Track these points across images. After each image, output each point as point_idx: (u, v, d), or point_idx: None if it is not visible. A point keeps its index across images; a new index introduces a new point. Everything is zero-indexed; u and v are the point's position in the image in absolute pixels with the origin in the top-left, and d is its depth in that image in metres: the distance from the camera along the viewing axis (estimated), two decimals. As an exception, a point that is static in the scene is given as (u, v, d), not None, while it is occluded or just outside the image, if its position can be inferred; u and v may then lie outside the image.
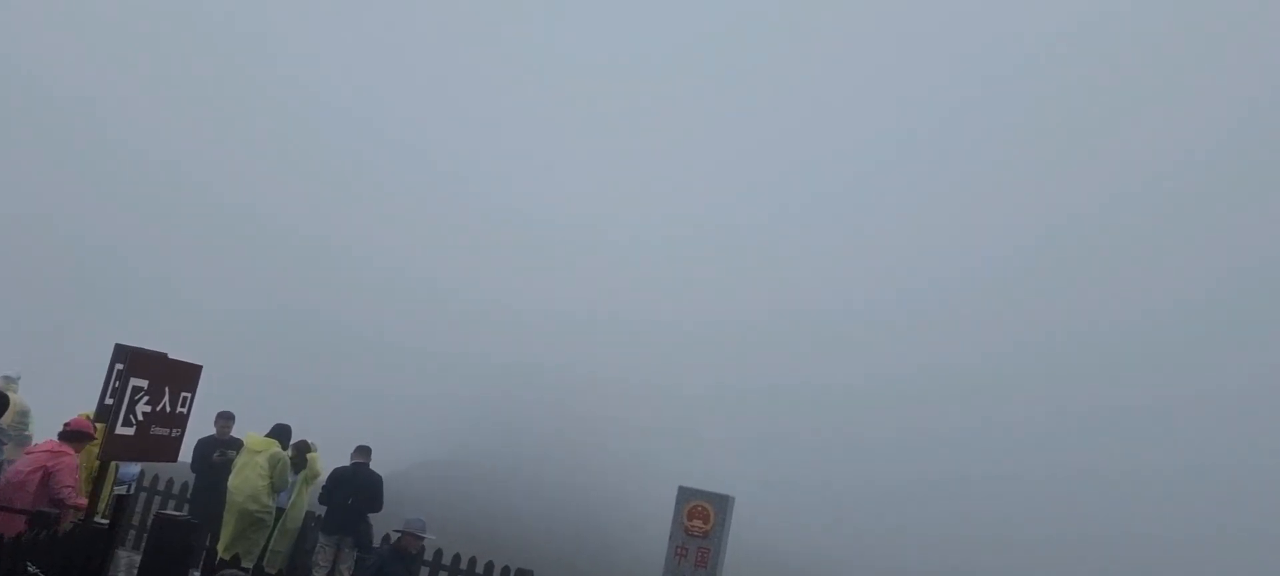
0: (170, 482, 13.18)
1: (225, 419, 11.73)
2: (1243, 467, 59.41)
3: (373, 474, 11.15)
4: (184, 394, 6.53)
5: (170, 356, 6.42)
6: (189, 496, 12.80)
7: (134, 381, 6.06)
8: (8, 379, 11.85)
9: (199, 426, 11.67)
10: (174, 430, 6.48)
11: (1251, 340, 69.07)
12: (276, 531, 10.69)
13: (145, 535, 10.27)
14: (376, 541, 11.48)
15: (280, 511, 10.89)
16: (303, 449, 11.30)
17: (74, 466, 7.88)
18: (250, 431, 11.08)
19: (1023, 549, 50.90)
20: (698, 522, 10.09)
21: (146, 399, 6.19)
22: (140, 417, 6.18)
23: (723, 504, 10.16)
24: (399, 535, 8.38)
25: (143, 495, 12.58)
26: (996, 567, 47.35)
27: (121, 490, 9.55)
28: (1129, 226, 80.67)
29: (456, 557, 11.88)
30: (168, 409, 6.37)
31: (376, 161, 79.43)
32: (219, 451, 11.36)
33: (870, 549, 47.23)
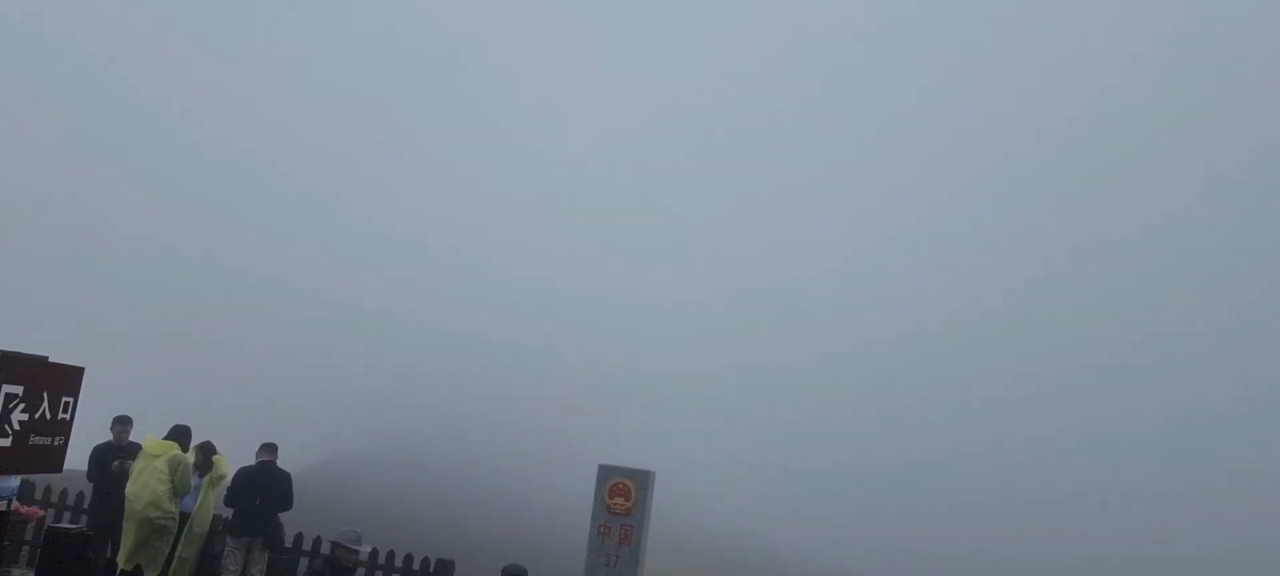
0: (65, 493, 12.55)
1: (122, 424, 11.17)
2: (1127, 434, 62.38)
3: (281, 472, 10.78)
4: (65, 399, 6.12)
5: (50, 360, 6.03)
6: (85, 507, 12.22)
7: (8, 388, 5.65)
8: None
9: (96, 433, 11.11)
10: (56, 438, 6.07)
11: (1125, 311, 72.34)
12: (182, 538, 10.25)
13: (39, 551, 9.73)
14: (289, 541, 11.13)
15: (184, 517, 10.45)
16: (207, 450, 10.86)
17: None
18: (148, 435, 10.59)
19: (942, 523, 52.55)
20: (620, 500, 10.04)
21: (23, 406, 5.79)
22: (17, 427, 5.78)
23: (644, 480, 10.12)
24: (332, 546, 8.05)
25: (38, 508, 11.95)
26: (918, 543, 48.82)
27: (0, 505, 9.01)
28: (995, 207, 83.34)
29: (374, 552, 11.61)
30: (48, 415, 5.96)
31: (257, 174, 77.42)
32: (118, 460, 10.82)
33: (790, 522, 48.27)
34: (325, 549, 9.13)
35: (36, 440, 5.87)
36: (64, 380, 6.08)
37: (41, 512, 11.42)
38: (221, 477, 10.75)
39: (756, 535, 42.37)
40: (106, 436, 11.21)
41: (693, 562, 31.36)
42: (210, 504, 10.62)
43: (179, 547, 10.30)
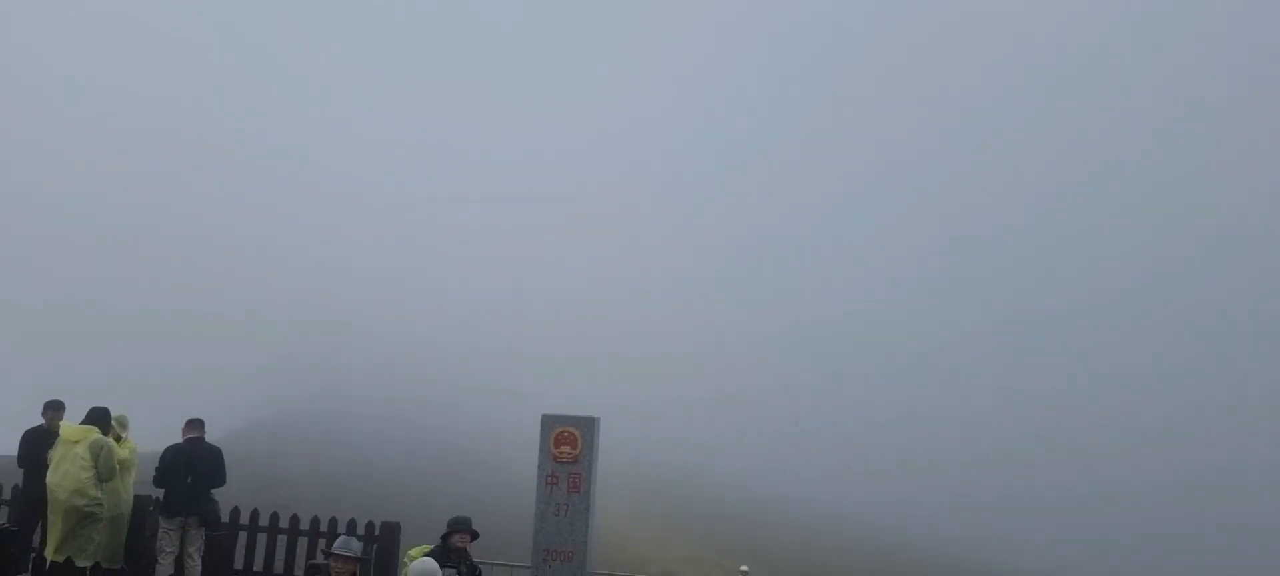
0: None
1: (54, 409, 10.73)
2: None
3: (211, 447, 10.52)
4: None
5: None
6: (8, 498, 11.79)
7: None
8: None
9: (29, 420, 10.69)
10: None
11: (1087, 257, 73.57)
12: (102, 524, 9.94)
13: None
14: (225, 516, 10.91)
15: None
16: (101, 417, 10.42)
17: None
18: (64, 421, 10.21)
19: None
20: (566, 448, 10.02)
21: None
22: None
23: (589, 427, 10.11)
24: (327, 558, 7.78)
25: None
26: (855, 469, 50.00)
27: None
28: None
29: (314, 520, 11.47)
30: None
31: (169, 116, 74.34)
32: (53, 446, 10.37)
33: (731, 455, 49.09)
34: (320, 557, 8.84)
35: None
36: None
37: None
38: (131, 452, 10.38)
39: (704, 472, 43.00)
40: (38, 421, 10.79)
41: (645, 505, 31.75)
42: (125, 485, 10.29)
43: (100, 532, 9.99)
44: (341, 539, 7.85)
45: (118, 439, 10.23)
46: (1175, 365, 61.12)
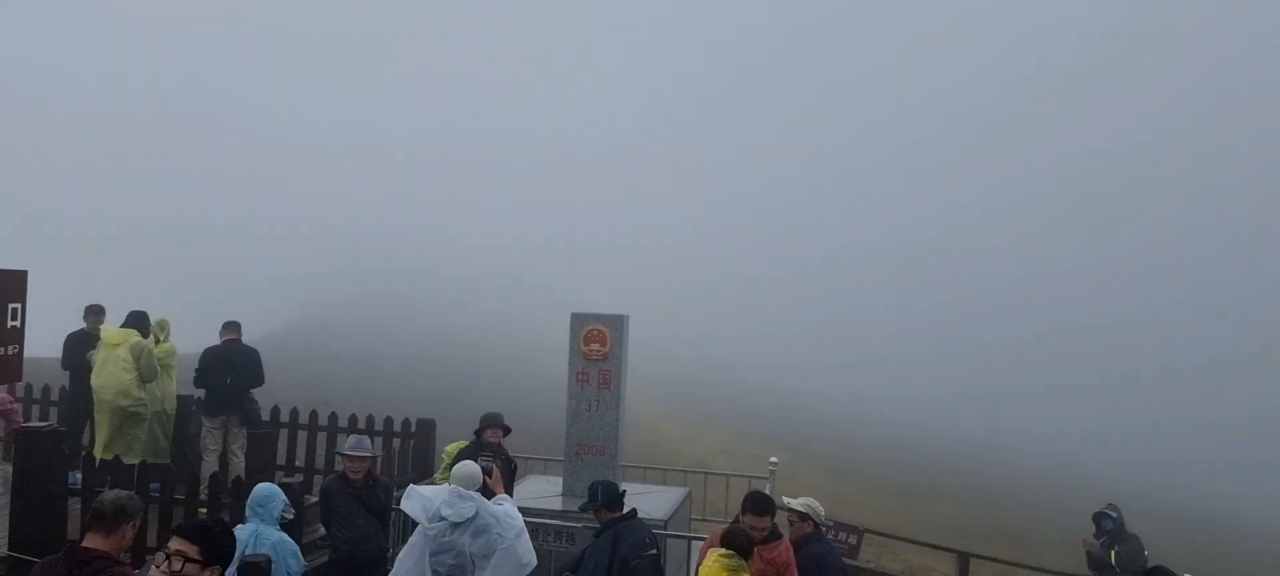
0: (47, 389, 12.48)
1: (95, 314, 10.95)
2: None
3: (248, 349, 10.72)
4: (12, 305, 5.89)
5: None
6: (56, 399, 12.17)
7: (-53, 303, 5.42)
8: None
9: (73, 326, 10.93)
10: (9, 347, 5.88)
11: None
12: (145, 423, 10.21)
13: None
14: (265, 415, 11.18)
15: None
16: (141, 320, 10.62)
17: None
18: (104, 325, 10.43)
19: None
20: (596, 346, 10.15)
21: (-35, 317, 5.57)
22: (-37, 338, 5.58)
23: (618, 324, 10.20)
24: (341, 459, 7.89)
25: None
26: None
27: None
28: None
29: (352, 417, 11.72)
30: (-6, 325, 5.72)
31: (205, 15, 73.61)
32: (95, 349, 10.62)
33: (754, 346, 49.39)
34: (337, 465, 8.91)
35: (-12, 353, 5.67)
36: (6, 286, 5.85)
37: (14, 403, 11.34)
38: (171, 352, 10.58)
39: (734, 368, 43.35)
40: (80, 325, 11.04)
41: (676, 401, 32.15)
42: (170, 383, 10.53)
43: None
44: (353, 438, 7.81)
45: (157, 342, 10.44)
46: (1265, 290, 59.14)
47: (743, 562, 5.63)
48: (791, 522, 6.93)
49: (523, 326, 37.87)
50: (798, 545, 6.81)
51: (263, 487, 6.30)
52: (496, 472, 7.55)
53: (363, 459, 7.55)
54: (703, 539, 8.58)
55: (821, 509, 7.05)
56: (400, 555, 6.83)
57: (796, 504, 6.89)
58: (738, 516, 6.49)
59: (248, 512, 6.38)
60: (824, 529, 7.12)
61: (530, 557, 6.60)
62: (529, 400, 21.42)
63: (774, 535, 6.33)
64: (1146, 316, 57.13)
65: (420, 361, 29.01)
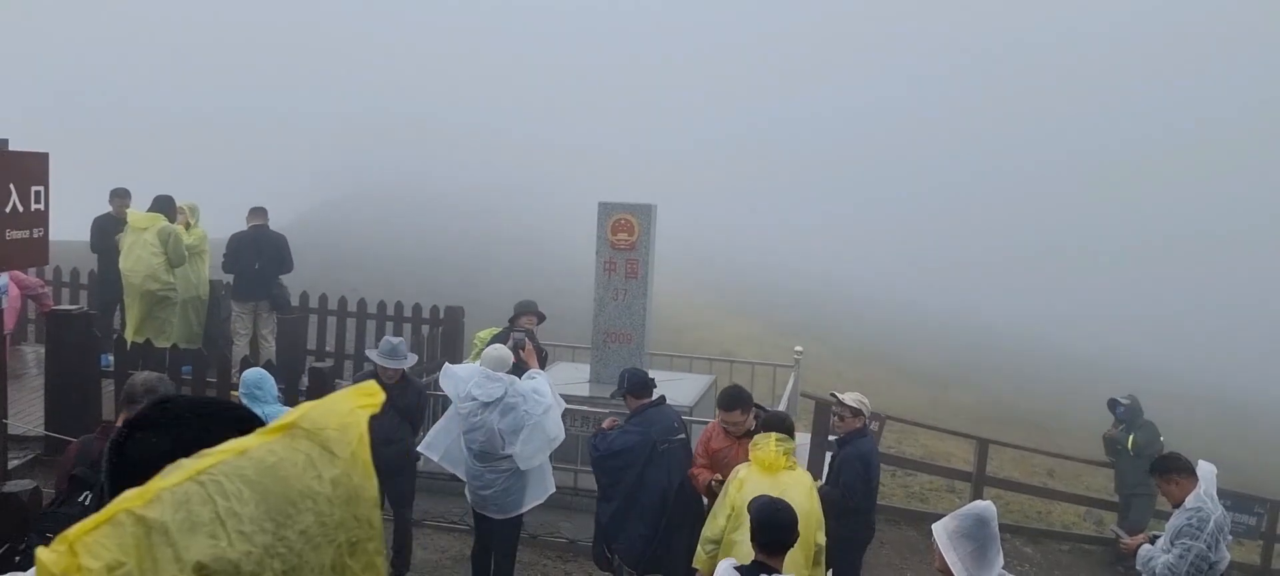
0: (76, 273, 12.60)
1: (120, 197, 10.92)
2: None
3: (275, 234, 10.70)
4: (35, 188, 5.81)
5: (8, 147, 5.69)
6: (86, 283, 12.28)
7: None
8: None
9: (101, 209, 10.94)
10: (35, 230, 5.83)
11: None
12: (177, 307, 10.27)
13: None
14: (294, 300, 11.23)
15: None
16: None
17: None
18: (131, 210, 10.40)
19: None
20: (623, 236, 10.03)
21: (-11, 201, 5.51)
22: (-10, 225, 5.52)
23: (645, 214, 10.07)
24: (375, 368, 7.77)
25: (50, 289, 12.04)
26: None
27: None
28: None
29: (381, 304, 11.76)
30: (20, 208, 5.68)
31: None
32: (123, 232, 10.63)
33: (783, 238, 49.17)
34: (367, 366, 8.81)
35: (13, 235, 5.64)
36: (29, 168, 5.77)
37: (44, 287, 11.50)
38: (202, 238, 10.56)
39: (761, 259, 43.24)
40: (106, 209, 11.04)
41: (702, 291, 32.17)
42: (202, 267, 10.55)
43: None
44: (387, 344, 7.16)
45: (187, 227, 10.43)
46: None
47: (791, 441, 5.60)
48: (842, 418, 6.96)
49: (552, 219, 37.76)
50: (845, 440, 6.88)
51: (252, 373, 6.28)
52: (530, 346, 7.62)
53: (392, 370, 7.07)
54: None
55: (869, 404, 7.07)
56: (436, 427, 7.02)
57: (848, 399, 6.95)
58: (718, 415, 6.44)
59: (244, 399, 6.38)
60: (871, 423, 7.16)
61: (558, 431, 6.71)
62: (558, 289, 21.45)
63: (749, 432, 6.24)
64: (1180, 200, 55.97)
65: (449, 252, 29.07)
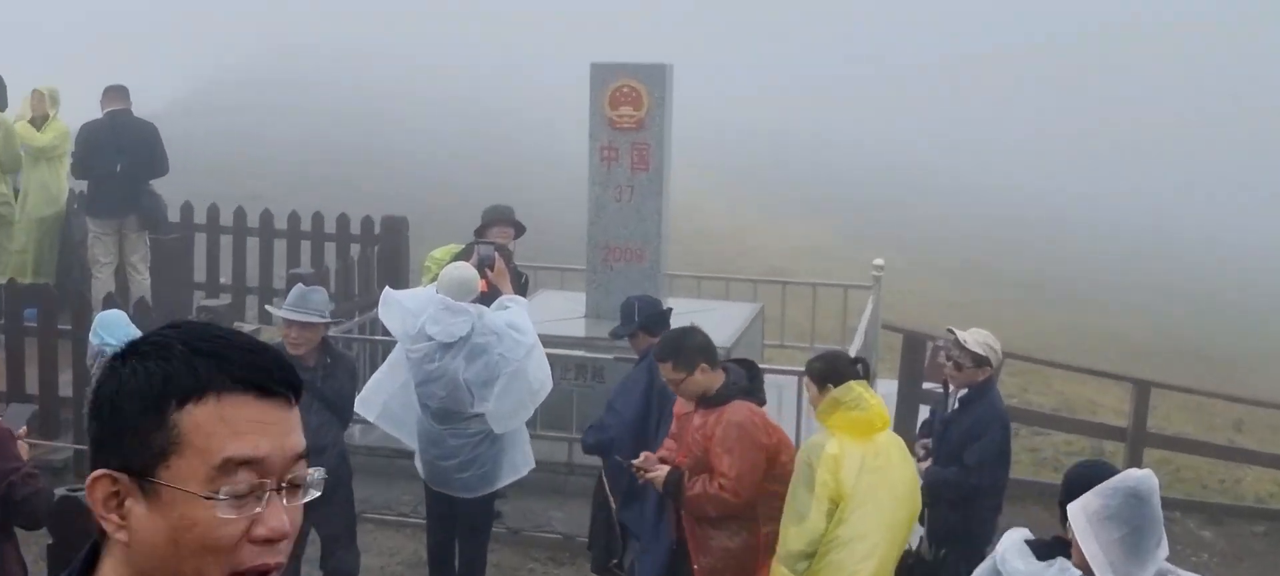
0: None
1: None
2: None
3: (142, 123, 10.54)
4: None
5: None
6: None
7: None
8: None
9: None
10: None
11: None
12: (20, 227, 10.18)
13: None
14: (174, 215, 11.12)
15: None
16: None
17: None
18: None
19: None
20: (627, 110, 9.87)
21: None
22: None
23: (657, 79, 9.90)
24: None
25: None
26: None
27: None
28: None
29: (293, 216, 11.64)
30: None
31: None
32: None
33: (846, 107, 48.99)
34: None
35: None
36: None
37: None
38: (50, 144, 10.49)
39: (810, 140, 43.05)
40: None
41: (735, 185, 31.99)
42: (54, 178, 10.46)
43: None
44: (296, 290, 6.57)
45: (46, 118, 10.34)
46: None
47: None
48: (961, 367, 6.72)
49: (529, 89, 37.44)
50: (970, 397, 6.69)
51: (106, 315, 6.28)
52: (501, 264, 7.55)
53: (308, 327, 6.41)
54: (786, 373, 8.50)
55: (999, 347, 6.86)
56: (374, 378, 7.01)
57: (972, 342, 6.62)
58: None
59: (95, 341, 6.38)
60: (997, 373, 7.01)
61: (543, 378, 6.75)
62: (540, 193, 21.31)
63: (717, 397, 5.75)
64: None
65: (392, 147, 28.88)
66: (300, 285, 6.76)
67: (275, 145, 27.17)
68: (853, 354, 7.56)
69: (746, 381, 5.86)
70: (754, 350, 10.08)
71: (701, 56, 42.68)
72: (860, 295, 11.52)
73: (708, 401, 5.67)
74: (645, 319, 6.73)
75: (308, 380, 6.11)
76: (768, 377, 8.56)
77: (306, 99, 33.60)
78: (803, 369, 6.11)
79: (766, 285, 12.48)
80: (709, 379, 5.69)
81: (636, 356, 6.85)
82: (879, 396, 5.57)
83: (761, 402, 5.92)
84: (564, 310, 10.22)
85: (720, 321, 9.81)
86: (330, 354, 6.70)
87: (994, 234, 31.16)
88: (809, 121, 46.32)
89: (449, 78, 39.62)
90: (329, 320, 6.76)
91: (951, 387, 6.89)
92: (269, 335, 11.81)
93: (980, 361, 6.63)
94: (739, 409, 5.63)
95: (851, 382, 5.42)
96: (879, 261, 11.47)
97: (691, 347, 5.75)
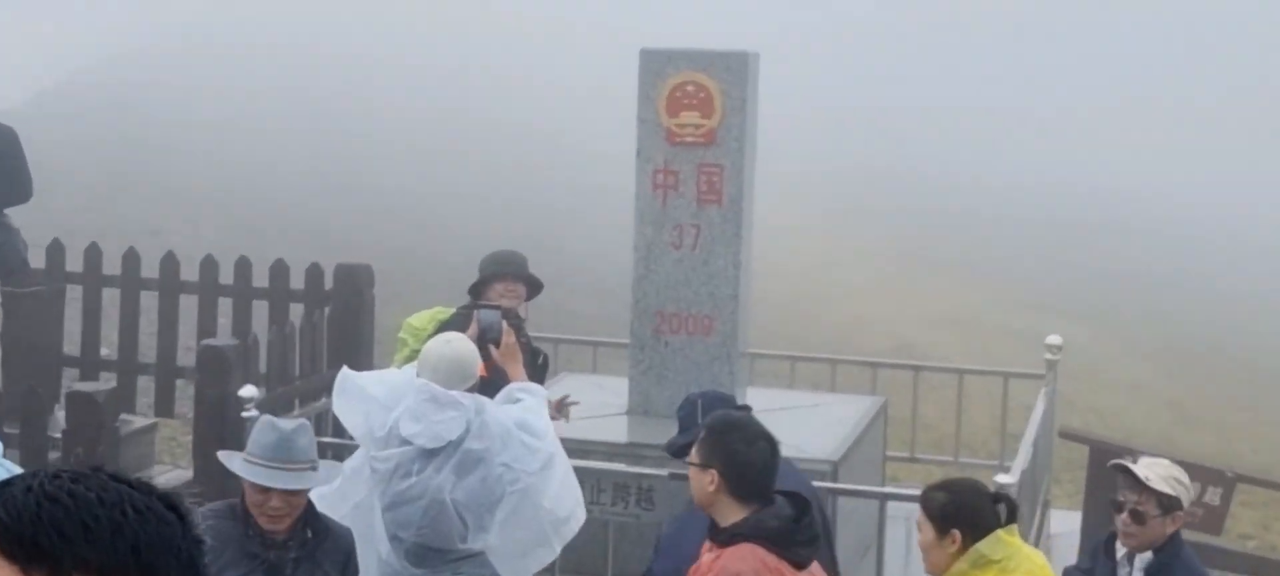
0: None
1: None
2: None
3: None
4: None
5: None
6: None
7: None
8: None
9: None
10: None
11: None
12: None
13: None
14: (37, 259, 11.21)
15: None
16: None
17: None
18: None
19: None
20: (692, 116, 9.88)
21: None
22: None
23: (737, 71, 9.96)
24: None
25: None
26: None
27: None
28: None
29: (210, 261, 11.67)
30: None
31: None
32: None
33: (999, 118, 49.62)
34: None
35: None
36: None
37: None
38: None
39: (952, 158, 43.52)
40: None
41: (845, 220, 32.07)
42: None
43: None
44: (273, 434, 5.88)
45: None
46: None
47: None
48: (1144, 519, 6.61)
49: (547, 89, 37.82)
50: (1159, 565, 6.51)
51: None
52: (509, 337, 7.57)
53: (290, 496, 5.91)
54: (910, 497, 8.42)
55: (1189, 484, 6.76)
56: (328, 492, 6.54)
57: (1157, 479, 6.51)
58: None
59: None
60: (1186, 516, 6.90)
61: (568, 502, 6.75)
62: (564, 230, 21.41)
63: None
64: None
65: (350, 155, 29.18)
66: (270, 421, 6.15)
67: (182, 157, 27.42)
68: (1009, 479, 7.50)
69: (782, 521, 5.68)
70: (872, 465, 10.07)
71: (791, 44, 43.13)
72: (1027, 387, 11.50)
73: (716, 534, 5.54)
74: (715, 423, 6.64)
75: (274, 562, 5.99)
76: (892, 506, 8.52)
77: (227, 91, 34.03)
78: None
79: (891, 370, 12.39)
80: (716, 500, 5.54)
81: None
82: (1039, 552, 5.50)
83: (802, 561, 5.76)
84: (598, 403, 10.17)
85: (823, 425, 9.77)
86: (313, 524, 6.13)
87: (1219, 302, 30.99)
88: (945, 137, 46.73)
89: (433, 74, 40.12)
90: (323, 479, 6.44)
91: (1124, 547, 6.70)
92: (168, 430, 11.91)
93: (1169, 505, 6.45)
94: (744, 555, 5.47)
95: (999, 533, 5.41)
96: (1055, 339, 11.38)
97: (722, 435, 5.69)
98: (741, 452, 5.51)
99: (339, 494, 6.75)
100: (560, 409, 8.32)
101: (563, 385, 10.73)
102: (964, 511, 5.45)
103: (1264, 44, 66.22)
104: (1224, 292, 32.10)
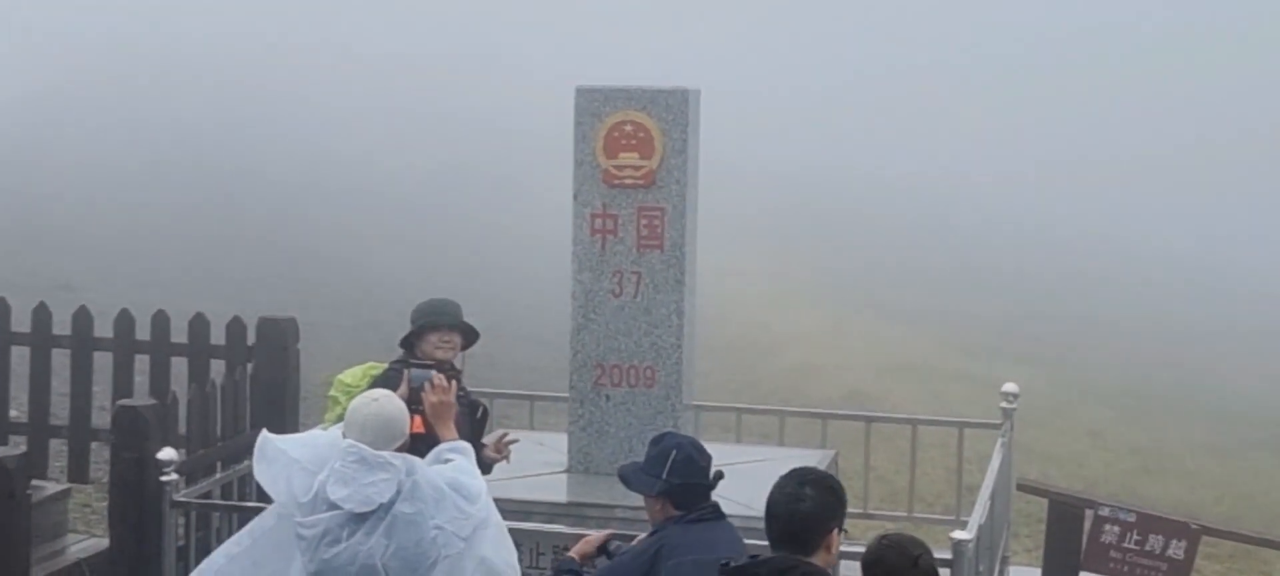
0: None
1: None
2: None
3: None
4: None
5: None
6: None
7: None
8: None
9: None
10: None
11: None
12: None
13: None
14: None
15: None
16: None
17: None
18: None
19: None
20: (631, 156, 9.89)
21: None
22: None
23: (678, 109, 9.95)
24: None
25: None
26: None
27: None
28: None
29: (125, 315, 11.60)
30: None
31: None
32: None
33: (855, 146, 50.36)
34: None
35: None
36: None
37: None
38: None
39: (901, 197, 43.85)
40: None
41: (786, 267, 32.14)
42: None
43: None
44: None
45: None
46: None
47: None
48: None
49: (481, 128, 37.87)
50: None
51: None
52: (443, 389, 7.44)
53: None
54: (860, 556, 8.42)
55: None
56: (222, 552, 6.91)
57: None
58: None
59: None
60: None
61: (503, 566, 6.68)
62: (500, 278, 21.39)
63: None
64: None
65: (271, 197, 29.09)
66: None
67: (92, 206, 27.27)
68: (965, 535, 7.53)
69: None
70: (824, 521, 10.01)
71: (732, 79, 43.41)
72: (983, 437, 11.52)
73: None
74: (683, 476, 6.56)
75: None
76: (844, 565, 8.50)
77: (138, 134, 33.91)
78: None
79: (842, 421, 12.41)
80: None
81: (648, 523, 6.72)
82: None
83: None
84: (537, 462, 10.15)
85: (771, 480, 9.69)
86: None
87: (1182, 344, 31.26)
88: (897, 185, 47.12)
89: (362, 116, 40.11)
90: None
91: None
92: (82, 497, 11.79)
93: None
94: None
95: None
96: (1011, 387, 11.43)
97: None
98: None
99: (251, 561, 6.79)
100: (499, 449, 8.40)
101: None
102: (879, 568, 5.46)
103: (1223, 92, 68.30)
104: (1186, 335, 32.42)
